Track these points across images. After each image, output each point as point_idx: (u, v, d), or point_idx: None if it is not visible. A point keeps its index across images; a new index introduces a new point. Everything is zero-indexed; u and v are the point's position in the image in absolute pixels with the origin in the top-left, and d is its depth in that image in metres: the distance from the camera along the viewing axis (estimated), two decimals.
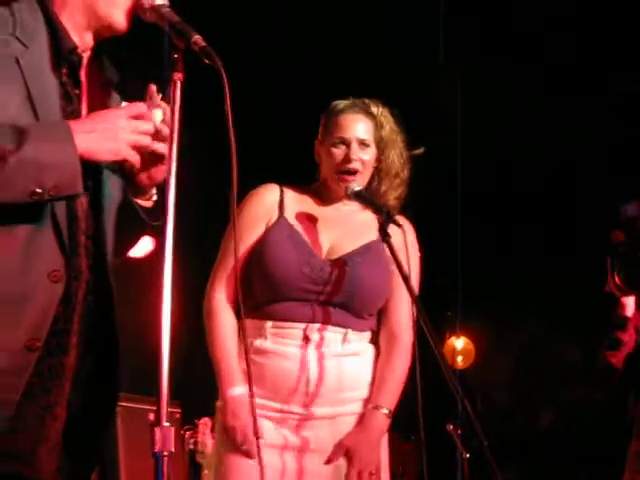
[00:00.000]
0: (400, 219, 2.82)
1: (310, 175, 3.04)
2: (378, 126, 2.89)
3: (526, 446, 6.76)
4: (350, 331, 2.81)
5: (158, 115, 1.98)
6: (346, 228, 2.92)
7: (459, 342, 7.35)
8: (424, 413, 2.56)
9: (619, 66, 5.66)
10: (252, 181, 2.87)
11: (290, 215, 2.88)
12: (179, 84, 1.90)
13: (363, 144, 2.87)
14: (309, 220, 2.91)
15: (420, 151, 2.99)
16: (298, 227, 2.87)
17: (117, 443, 4.40)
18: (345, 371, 2.79)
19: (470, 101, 5.94)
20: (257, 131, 4.95)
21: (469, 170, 6.41)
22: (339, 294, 2.79)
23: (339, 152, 2.87)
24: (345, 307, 2.80)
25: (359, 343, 2.85)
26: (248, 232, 2.83)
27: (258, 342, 2.77)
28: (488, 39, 5.65)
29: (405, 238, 2.77)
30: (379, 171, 2.92)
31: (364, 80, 4.27)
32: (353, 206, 2.95)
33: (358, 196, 2.87)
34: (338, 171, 2.88)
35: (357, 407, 2.84)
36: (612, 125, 5.95)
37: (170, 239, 1.88)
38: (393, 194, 2.94)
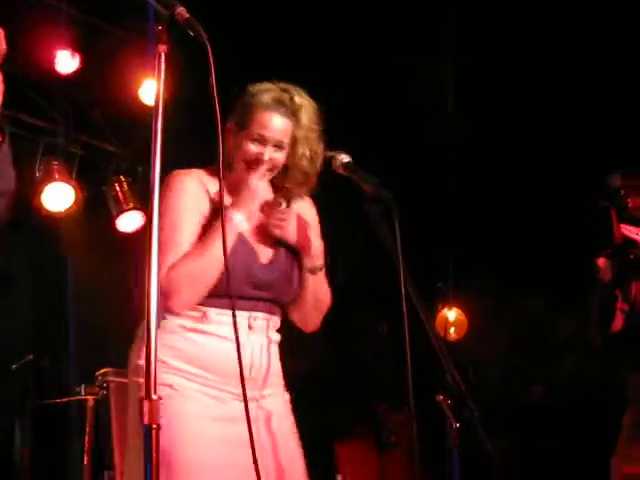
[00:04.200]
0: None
1: None
2: (296, 123, 2.80)
3: (517, 419, 6.82)
4: (276, 319, 2.86)
5: None
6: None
7: (451, 313, 7.34)
8: (414, 384, 2.56)
9: None
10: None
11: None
12: (163, 56, 1.96)
13: (279, 146, 2.80)
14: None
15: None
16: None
17: (110, 419, 4.50)
18: (273, 358, 2.82)
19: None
20: None
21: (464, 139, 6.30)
22: (271, 291, 2.81)
23: (253, 148, 2.78)
24: (273, 300, 2.83)
25: (277, 331, 2.89)
26: (191, 220, 2.72)
27: (201, 326, 2.72)
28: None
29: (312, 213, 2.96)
30: (284, 166, 2.85)
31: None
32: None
33: (348, 167, 2.84)
34: (247, 164, 2.80)
35: (279, 390, 2.88)
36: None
37: (156, 214, 1.94)
38: (296, 191, 2.90)
